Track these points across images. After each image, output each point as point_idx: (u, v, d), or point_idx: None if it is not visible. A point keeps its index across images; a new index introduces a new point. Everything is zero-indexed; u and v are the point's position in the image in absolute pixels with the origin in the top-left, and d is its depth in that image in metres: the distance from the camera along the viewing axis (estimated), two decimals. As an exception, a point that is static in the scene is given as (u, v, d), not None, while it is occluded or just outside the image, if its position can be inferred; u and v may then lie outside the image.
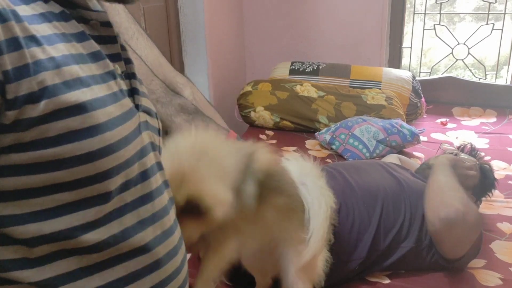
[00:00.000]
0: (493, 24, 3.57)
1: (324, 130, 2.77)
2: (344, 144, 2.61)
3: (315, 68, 3.34)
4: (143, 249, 0.72)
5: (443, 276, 1.60)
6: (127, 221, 0.70)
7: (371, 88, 3.15)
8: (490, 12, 3.57)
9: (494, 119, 3.25)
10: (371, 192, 1.65)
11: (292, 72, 3.35)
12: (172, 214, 0.82)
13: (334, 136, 2.66)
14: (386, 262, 1.58)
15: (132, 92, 0.76)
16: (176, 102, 1.56)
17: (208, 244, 1.14)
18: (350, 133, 2.62)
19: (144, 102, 0.80)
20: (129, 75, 0.78)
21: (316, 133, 2.81)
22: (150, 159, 0.76)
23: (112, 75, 0.70)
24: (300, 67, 3.37)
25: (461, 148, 2.09)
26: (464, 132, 3.03)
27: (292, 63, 3.41)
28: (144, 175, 0.74)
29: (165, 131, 1.60)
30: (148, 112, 0.80)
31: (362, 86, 3.18)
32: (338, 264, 1.50)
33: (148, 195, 0.74)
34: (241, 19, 3.71)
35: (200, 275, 1.16)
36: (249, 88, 3.15)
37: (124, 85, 0.73)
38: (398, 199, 1.66)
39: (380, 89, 3.14)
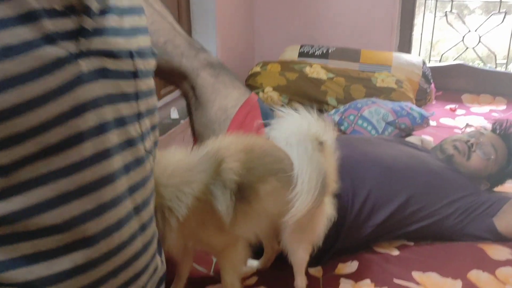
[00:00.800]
0: (505, 13, 3.54)
1: (333, 111, 2.76)
2: (352, 125, 2.60)
3: (324, 51, 3.32)
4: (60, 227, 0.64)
5: (453, 249, 1.59)
6: (38, 195, 0.61)
7: (380, 72, 3.13)
8: (502, 0, 3.54)
9: (504, 107, 3.23)
10: (396, 164, 1.65)
11: (301, 55, 3.33)
12: (120, 184, 0.72)
13: (343, 117, 2.65)
14: (402, 231, 1.58)
15: (78, 33, 0.63)
16: (201, 57, 1.54)
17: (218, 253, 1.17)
18: (359, 114, 2.61)
19: (102, 43, 0.66)
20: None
21: (324, 114, 2.79)
22: (87, 120, 0.64)
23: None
24: (309, 50, 3.35)
25: (497, 125, 1.95)
26: (473, 118, 3.00)
27: (301, 46, 3.40)
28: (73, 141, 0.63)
29: (191, 85, 1.57)
30: (110, 54, 0.68)
31: (372, 71, 3.16)
32: (350, 229, 1.50)
33: (75, 165, 0.64)
34: (251, 1, 3.69)
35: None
36: (258, 69, 3.13)
37: (58, 25, 0.59)
38: (422, 173, 1.66)
39: (390, 72, 3.12)
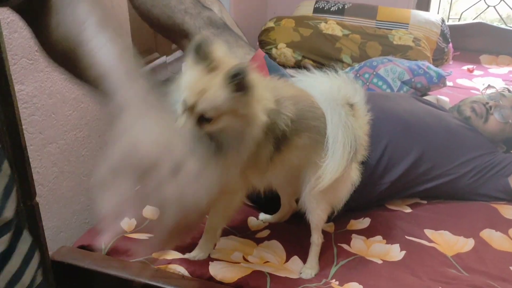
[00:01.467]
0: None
1: (347, 69, 2.70)
2: (367, 84, 2.54)
3: (340, 7, 3.22)
4: None
5: (466, 208, 1.59)
6: None
7: (398, 29, 3.04)
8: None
9: (524, 69, 3.14)
10: (412, 120, 1.62)
11: (316, 10, 3.24)
12: None
13: (358, 75, 2.59)
14: (417, 189, 1.57)
15: None
16: (205, 15, 1.51)
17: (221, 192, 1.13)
18: (374, 73, 2.55)
19: None
20: None
21: (339, 72, 2.73)
22: None
23: None
24: (324, 5, 3.25)
25: None
26: (491, 80, 2.93)
27: (317, 2, 3.29)
28: None
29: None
30: None
31: (389, 28, 3.07)
32: (365, 186, 1.49)
33: None
34: (265, -47, 3.56)
35: (208, 222, 1.19)
36: (271, 24, 3.06)
37: None
38: (439, 130, 1.64)
39: (407, 30, 3.03)
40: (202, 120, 0.93)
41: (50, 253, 1.16)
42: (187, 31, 1.54)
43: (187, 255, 1.22)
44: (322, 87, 1.18)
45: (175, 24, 1.55)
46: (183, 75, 0.94)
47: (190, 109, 0.92)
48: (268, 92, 1.02)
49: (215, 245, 1.27)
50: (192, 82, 0.92)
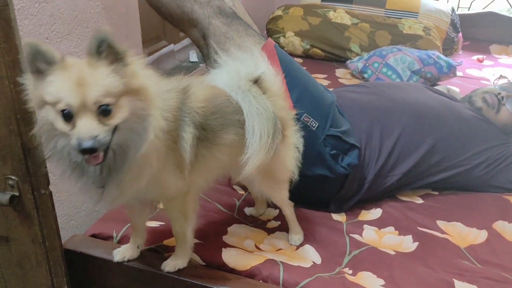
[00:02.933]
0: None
1: (356, 58, 2.67)
2: (376, 73, 2.52)
3: (349, -5, 3.18)
4: None
5: (479, 199, 1.58)
6: None
7: (407, 18, 3.00)
8: None
9: (534, 59, 3.11)
10: (425, 110, 1.61)
11: (325, -1, 3.20)
12: None
13: (367, 64, 2.56)
14: (429, 180, 1.56)
15: None
16: (214, 4, 1.49)
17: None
18: (383, 62, 2.52)
19: None
20: None
21: (347, 62, 2.71)
22: None
23: None
24: (333, -6, 3.21)
25: None
26: (501, 70, 2.90)
27: (325, -10, 3.25)
28: None
29: (202, 34, 1.54)
30: None
31: (399, 17, 3.03)
32: (377, 178, 1.49)
33: None
34: None
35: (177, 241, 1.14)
36: (279, 13, 3.02)
37: None
38: (451, 120, 1.62)
39: (417, 19, 2.99)
40: (103, 115, 0.81)
41: (62, 241, 1.15)
42: (196, 20, 1.52)
43: (165, 266, 1.14)
44: (222, 79, 1.12)
45: (184, 13, 1.53)
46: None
47: (81, 109, 0.80)
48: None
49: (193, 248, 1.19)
50: (67, 82, 0.80)
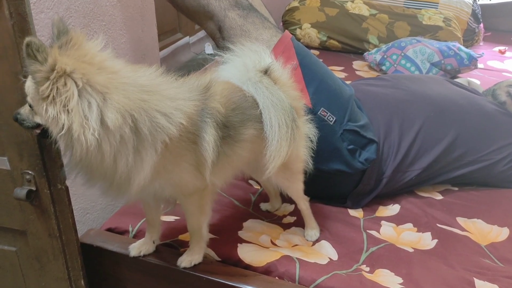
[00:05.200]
0: None
1: (374, 50, 2.62)
2: (395, 65, 2.47)
3: (367, -14, 3.12)
4: None
5: (500, 196, 1.54)
6: None
7: (427, 9, 2.94)
8: None
9: (558, 50, 3.02)
10: (446, 104, 1.57)
11: (342, -11, 3.15)
12: None
13: (385, 56, 2.52)
14: (449, 175, 1.53)
15: None
16: None
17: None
18: (402, 54, 2.47)
19: None
20: None
21: (365, 54, 2.66)
22: None
23: None
24: (351, -16, 3.15)
25: None
26: (524, 62, 2.83)
27: (343, -20, 3.20)
28: None
29: (218, 26, 1.52)
30: None
31: (418, 7, 2.97)
32: (396, 173, 1.46)
33: None
34: None
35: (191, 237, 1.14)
36: (296, 4, 2.98)
37: None
38: (474, 115, 1.58)
39: (437, 9, 2.93)
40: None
41: (78, 235, 1.16)
42: (212, 13, 1.50)
43: (181, 262, 1.14)
44: (231, 73, 1.11)
45: (200, 5, 1.51)
46: None
47: None
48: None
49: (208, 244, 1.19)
50: None
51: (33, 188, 1.01)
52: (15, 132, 0.96)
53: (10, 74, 0.90)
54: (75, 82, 0.79)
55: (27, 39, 0.76)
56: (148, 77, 0.91)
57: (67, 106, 0.79)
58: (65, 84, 0.79)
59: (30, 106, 0.86)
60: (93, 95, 0.80)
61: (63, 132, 0.80)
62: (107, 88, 0.82)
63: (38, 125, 0.88)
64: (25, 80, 0.85)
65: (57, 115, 0.79)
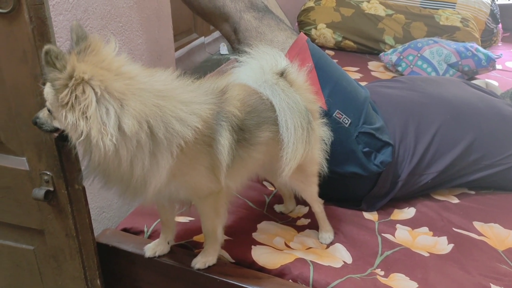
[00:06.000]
0: None
1: (390, 51, 2.60)
2: (411, 66, 2.45)
3: (383, -14, 3.10)
4: None
5: (518, 200, 1.52)
6: None
7: (444, 9, 2.90)
8: None
9: None
10: (463, 107, 1.55)
11: (358, -11, 3.13)
12: None
13: (401, 57, 2.49)
14: (465, 179, 1.51)
15: None
16: None
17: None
18: (419, 55, 2.45)
19: None
20: None
21: (381, 54, 2.64)
22: None
23: None
24: (367, -16, 3.13)
25: None
26: (543, 63, 2.78)
27: (358, -20, 3.18)
28: None
29: (233, 28, 1.52)
30: None
31: (435, 8, 2.94)
32: (412, 176, 1.45)
33: None
34: None
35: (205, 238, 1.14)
36: (311, 4, 2.97)
37: None
38: (491, 118, 1.56)
39: (454, 10, 2.89)
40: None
41: (94, 235, 1.17)
42: (227, 15, 1.51)
43: (196, 263, 1.14)
44: (248, 76, 1.11)
45: (216, 7, 1.51)
46: None
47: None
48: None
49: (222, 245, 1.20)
50: None
51: (51, 189, 1.03)
52: (34, 133, 0.98)
53: (30, 77, 0.92)
54: (93, 90, 0.80)
55: (46, 47, 0.77)
56: (164, 81, 0.92)
57: (86, 113, 0.80)
58: (84, 91, 0.79)
59: (49, 110, 0.88)
60: (110, 102, 0.81)
61: (82, 138, 0.81)
62: (124, 95, 0.83)
63: (56, 129, 0.90)
64: (44, 87, 0.87)
65: (76, 121, 0.80)
